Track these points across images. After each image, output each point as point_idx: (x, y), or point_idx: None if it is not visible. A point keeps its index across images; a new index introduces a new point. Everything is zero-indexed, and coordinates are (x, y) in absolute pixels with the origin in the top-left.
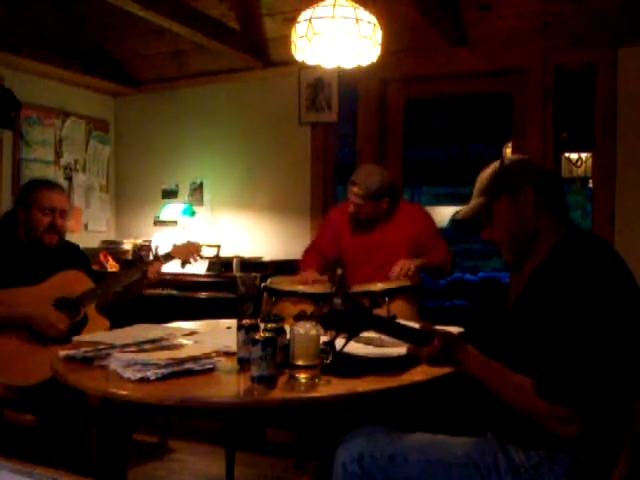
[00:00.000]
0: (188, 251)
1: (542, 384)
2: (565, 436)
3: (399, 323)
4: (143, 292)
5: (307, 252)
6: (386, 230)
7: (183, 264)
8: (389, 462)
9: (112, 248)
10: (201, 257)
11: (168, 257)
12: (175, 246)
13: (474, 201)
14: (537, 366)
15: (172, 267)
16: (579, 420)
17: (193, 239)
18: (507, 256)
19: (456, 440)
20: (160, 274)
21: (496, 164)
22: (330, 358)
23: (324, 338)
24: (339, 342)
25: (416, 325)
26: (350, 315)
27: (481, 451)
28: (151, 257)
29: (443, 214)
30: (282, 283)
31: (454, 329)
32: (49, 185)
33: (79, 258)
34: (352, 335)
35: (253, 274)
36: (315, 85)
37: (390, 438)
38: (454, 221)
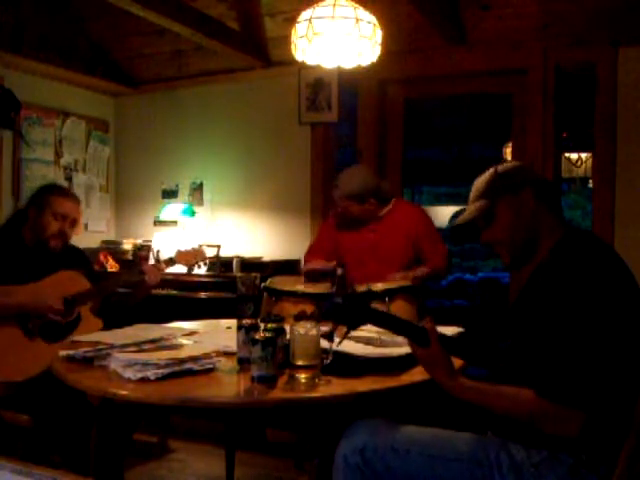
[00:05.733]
0: (192, 257)
1: (545, 385)
2: (567, 435)
3: (398, 317)
4: (151, 293)
5: (308, 254)
6: (383, 230)
7: (188, 269)
8: (391, 454)
9: (112, 248)
10: (205, 263)
11: (170, 262)
12: (179, 252)
13: (474, 205)
14: (539, 366)
15: (172, 267)
16: (580, 418)
17: (196, 244)
18: (506, 258)
19: (459, 436)
20: (161, 276)
21: (491, 170)
22: (330, 358)
23: (324, 328)
24: (338, 335)
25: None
26: (349, 308)
27: (484, 448)
28: (152, 261)
29: (443, 214)
30: (282, 283)
31: (454, 329)
32: (65, 193)
33: (80, 260)
34: (351, 328)
35: (253, 274)
36: (315, 85)
37: (393, 431)
38: (451, 229)
